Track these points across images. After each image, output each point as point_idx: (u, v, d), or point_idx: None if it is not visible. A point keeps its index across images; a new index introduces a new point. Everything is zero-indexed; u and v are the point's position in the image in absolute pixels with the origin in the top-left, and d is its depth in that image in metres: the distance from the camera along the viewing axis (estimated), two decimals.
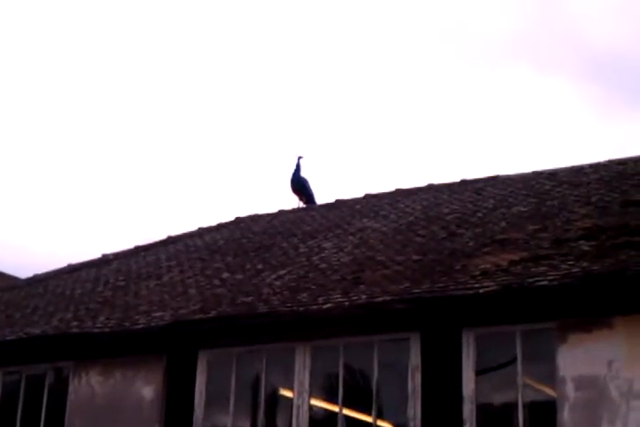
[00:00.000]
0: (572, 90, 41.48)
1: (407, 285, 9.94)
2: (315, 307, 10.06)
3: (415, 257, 11.07)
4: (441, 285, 9.65)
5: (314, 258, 12.32)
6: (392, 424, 9.94)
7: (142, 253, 15.50)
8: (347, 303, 9.89)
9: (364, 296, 9.94)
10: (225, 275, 12.61)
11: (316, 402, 10.24)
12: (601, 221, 10.51)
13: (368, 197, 16.05)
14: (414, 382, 9.48)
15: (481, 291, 9.15)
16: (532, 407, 9.04)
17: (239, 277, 12.32)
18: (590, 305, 8.70)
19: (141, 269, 14.27)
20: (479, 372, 9.20)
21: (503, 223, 11.71)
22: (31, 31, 41.92)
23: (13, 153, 41.93)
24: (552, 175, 14.08)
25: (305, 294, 10.58)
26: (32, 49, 42.24)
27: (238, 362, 10.59)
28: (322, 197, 17.61)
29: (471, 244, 11.07)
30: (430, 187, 15.45)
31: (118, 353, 11.18)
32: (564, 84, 40.70)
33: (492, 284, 9.21)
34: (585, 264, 9.09)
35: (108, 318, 11.71)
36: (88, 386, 11.29)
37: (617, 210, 10.96)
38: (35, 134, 42.63)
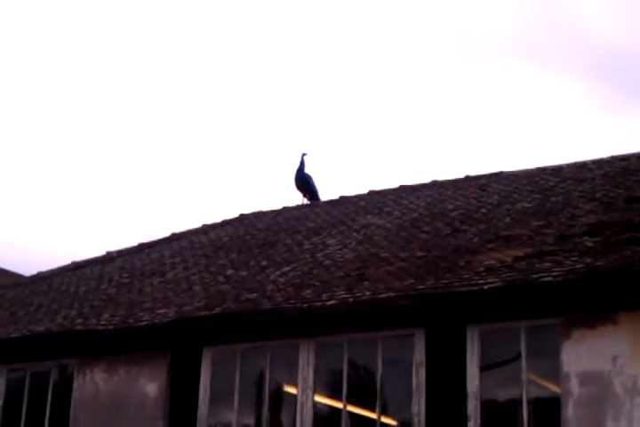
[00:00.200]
0: (575, 87, 41.46)
1: (411, 281, 9.93)
2: (319, 303, 10.05)
3: (419, 253, 11.05)
4: (445, 281, 9.64)
5: (318, 254, 12.31)
6: (396, 420, 9.93)
7: (146, 251, 15.51)
8: (351, 300, 9.88)
9: (368, 293, 9.93)
10: (229, 272, 12.61)
11: (320, 398, 10.23)
12: (605, 217, 10.50)
13: (372, 193, 16.05)
14: (419, 378, 9.47)
15: (485, 287, 9.14)
16: (536, 403, 9.03)
17: (243, 273, 12.32)
18: (594, 301, 8.69)
19: (145, 267, 14.27)
20: (483, 368, 9.18)
21: (507, 219, 11.70)
22: (31, 31, 41.97)
23: (17, 151, 41.96)
24: (556, 171, 14.07)
25: (309, 291, 10.57)
26: (32, 47, 42.26)
27: (242, 359, 10.58)
28: (326, 193, 17.63)
29: (475, 240, 11.06)
30: (434, 183, 15.44)
31: (122, 350, 11.18)
32: (567, 80, 40.67)
33: (497, 280, 9.19)
34: (589, 260, 9.07)
35: (112, 316, 11.72)
36: (92, 383, 11.29)
37: (621, 206, 10.94)
38: (38, 132, 42.69)
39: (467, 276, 9.62)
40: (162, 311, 11.31)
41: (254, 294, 11.02)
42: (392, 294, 9.67)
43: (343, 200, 16.18)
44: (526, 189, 13.34)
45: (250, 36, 42.13)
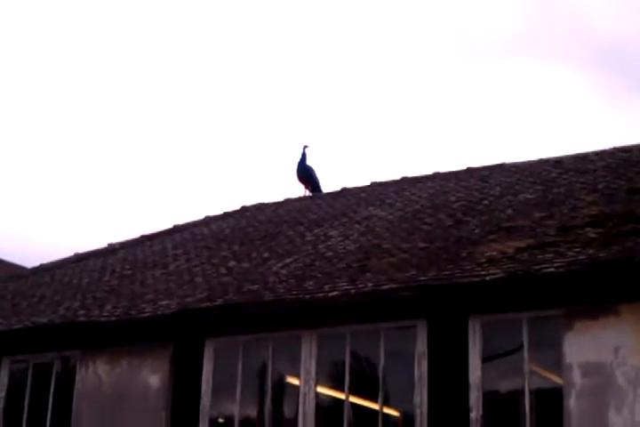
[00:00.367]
0: (577, 79, 41.41)
1: (413, 272, 9.93)
2: (321, 295, 10.06)
3: (421, 245, 11.06)
4: (447, 272, 9.64)
5: (320, 246, 12.32)
6: (398, 411, 9.95)
7: (148, 243, 15.52)
8: (353, 291, 9.89)
9: (370, 284, 9.93)
10: (231, 263, 12.61)
11: (322, 390, 10.24)
12: (607, 209, 10.50)
13: (374, 185, 16.05)
14: (421, 369, 9.48)
15: (487, 278, 9.14)
16: (538, 394, 9.04)
17: (245, 265, 12.33)
18: (597, 292, 8.69)
19: (147, 258, 14.28)
20: (485, 359, 9.19)
21: (509, 211, 11.70)
22: (30, 24, 41.90)
23: (18, 141, 41.96)
24: (558, 163, 14.06)
25: (311, 282, 10.58)
26: (30, 40, 42.23)
27: (245, 350, 10.59)
28: (328, 185, 17.65)
29: (477, 231, 11.06)
30: (436, 175, 15.44)
31: (125, 342, 11.20)
32: (569, 73, 40.62)
33: (499, 271, 9.20)
34: (591, 251, 9.07)
35: (114, 307, 11.73)
36: (95, 375, 11.30)
37: (623, 197, 10.94)
38: (39, 124, 42.65)
39: (469, 267, 9.62)
40: (164, 303, 11.32)
41: (256, 286, 11.03)
42: (394, 286, 9.67)
43: (345, 192, 16.18)
44: (528, 180, 13.34)
45: (252, 28, 42.10)
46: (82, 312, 11.89)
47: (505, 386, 9.45)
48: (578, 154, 14.31)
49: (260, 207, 16.74)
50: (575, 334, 8.70)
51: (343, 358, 10.03)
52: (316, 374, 10.13)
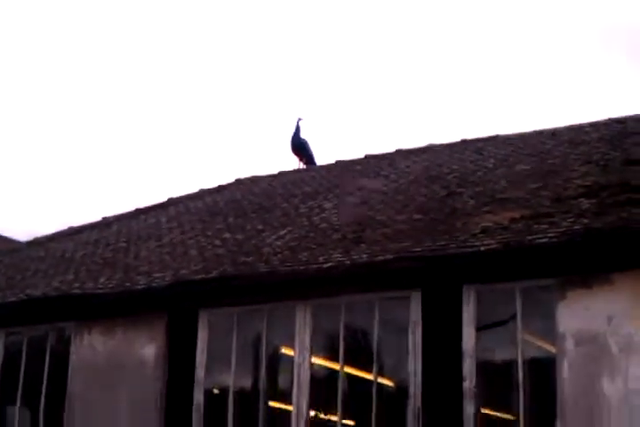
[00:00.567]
0: (570, 48, 41.31)
1: (408, 243, 9.94)
2: (315, 266, 10.07)
3: (416, 216, 11.06)
4: (441, 243, 9.65)
5: (314, 218, 12.32)
6: (393, 381, 9.99)
7: (143, 216, 15.51)
8: (347, 262, 9.90)
9: (364, 255, 9.94)
10: (226, 235, 12.61)
11: (317, 360, 10.27)
12: (602, 179, 10.50)
13: (368, 157, 16.05)
14: (415, 338, 9.50)
15: (482, 248, 9.15)
16: (531, 363, 9.07)
17: (240, 237, 12.33)
18: (591, 262, 8.69)
19: (142, 231, 14.28)
20: (479, 328, 9.21)
21: (504, 182, 11.70)
22: (22, 9, 41.65)
23: (12, 116, 41.82)
24: (553, 134, 14.05)
25: (305, 254, 10.59)
26: (16, 20, 42.01)
27: (239, 321, 10.61)
28: (322, 158, 17.66)
29: (472, 202, 11.07)
30: (430, 147, 15.43)
31: (120, 313, 11.21)
32: (561, 42, 40.51)
33: (493, 241, 9.21)
34: (585, 221, 9.08)
35: (108, 279, 11.74)
36: (90, 346, 11.33)
37: (618, 168, 10.94)
38: (32, 98, 42.51)
39: (463, 238, 9.63)
40: (159, 275, 11.33)
41: (251, 258, 11.04)
42: (389, 257, 9.69)
43: (339, 164, 16.18)
44: (523, 152, 13.33)
45: (246, 1, 41.88)
46: (76, 285, 11.90)
47: (498, 355, 9.49)
48: (572, 125, 14.31)
49: (255, 180, 16.74)
50: (568, 304, 8.72)
51: (337, 329, 10.06)
52: (311, 344, 10.15)
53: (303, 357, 10.14)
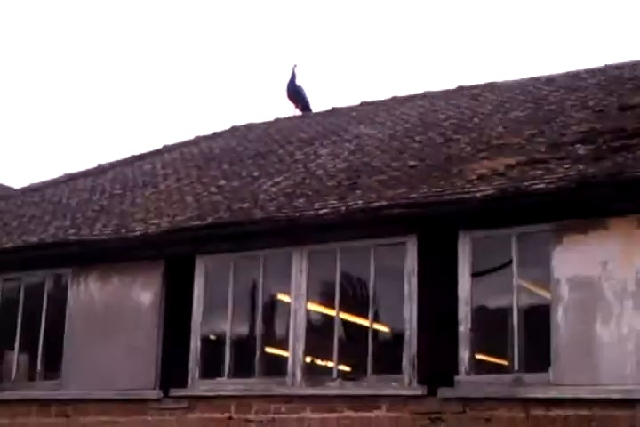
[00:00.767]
0: None
1: (403, 190, 9.92)
2: (311, 212, 10.07)
3: (411, 163, 11.03)
4: (437, 189, 9.64)
5: (310, 165, 12.29)
6: (388, 327, 10.04)
7: (138, 163, 15.48)
8: (343, 209, 9.89)
9: (360, 201, 9.93)
10: (221, 182, 12.59)
11: (313, 306, 10.31)
12: (598, 125, 10.46)
13: (364, 104, 15.99)
14: (410, 285, 9.53)
15: (477, 195, 9.14)
16: (526, 309, 9.11)
17: (235, 184, 12.31)
18: (586, 207, 8.70)
19: (137, 178, 14.26)
20: (475, 274, 9.24)
21: (500, 128, 11.66)
22: None
23: (6, 63, 41.54)
24: (549, 81, 13.98)
25: (301, 200, 10.58)
26: None
27: (235, 268, 10.64)
28: (318, 104, 17.60)
29: (468, 149, 11.03)
30: (427, 94, 15.36)
31: (116, 260, 11.24)
32: None
33: (489, 188, 9.19)
34: (581, 167, 9.06)
35: (105, 226, 11.75)
36: (87, 292, 11.37)
37: (614, 114, 10.89)
38: (28, 43, 42.17)
39: (459, 184, 9.61)
40: (154, 222, 11.33)
41: (246, 204, 11.03)
42: (384, 203, 9.67)
43: (335, 111, 16.12)
44: (519, 98, 13.27)
45: None
46: (72, 231, 11.91)
47: (494, 301, 9.51)
48: (569, 72, 14.23)
49: (250, 127, 16.68)
50: (564, 249, 8.73)
51: (333, 275, 10.08)
52: (307, 290, 10.18)
53: (299, 303, 10.18)
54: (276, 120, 16.79)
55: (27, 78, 41.74)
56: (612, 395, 8.21)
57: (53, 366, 11.47)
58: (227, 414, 10.17)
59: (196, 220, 10.92)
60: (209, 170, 13.66)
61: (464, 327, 9.15)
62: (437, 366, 9.20)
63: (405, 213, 9.52)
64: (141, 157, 15.79)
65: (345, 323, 10.14)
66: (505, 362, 9.19)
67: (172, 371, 10.64)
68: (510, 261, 9.09)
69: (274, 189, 11.41)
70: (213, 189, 12.28)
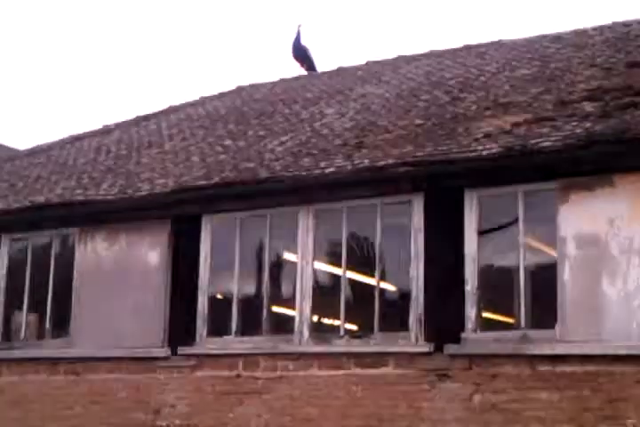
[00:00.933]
0: None
1: (410, 148, 9.91)
2: (317, 171, 10.07)
3: (418, 121, 11.00)
4: (443, 148, 9.62)
5: (316, 124, 12.27)
6: (395, 286, 10.07)
7: (144, 123, 15.46)
8: (349, 167, 9.89)
9: (366, 160, 9.92)
10: (227, 142, 12.58)
11: (319, 265, 10.34)
12: (605, 83, 10.41)
13: (370, 63, 15.92)
14: (417, 243, 9.54)
15: (484, 153, 9.13)
16: (533, 267, 9.13)
17: (241, 143, 12.30)
18: (593, 165, 8.68)
19: (143, 139, 14.24)
20: (481, 232, 9.24)
21: (506, 86, 11.61)
22: None
23: (13, 24, 41.34)
24: (556, 38, 13.89)
25: (307, 159, 10.57)
26: None
27: (242, 227, 10.65)
28: (323, 64, 17.52)
29: (474, 107, 10.99)
30: (433, 52, 15.28)
31: (123, 220, 11.27)
32: None
33: (495, 146, 9.18)
34: (588, 125, 9.03)
35: (111, 186, 11.76)
36: (94, 252, 11.41)
37: (621, 71, 10.83)
38: (34, 5, 41.94)
39: (465, 142, 9.60)
40: (161, 182, 11.35)
41: (252, 164, 11.03)
42: (390, 162, 9.67)
43: (341, 70, 16.05)
44: (526, 56, 13.19)
45: None
46: (79, 191, 11.93)
47: (500, 260, 9.53)
48: (576, 29, 14.14)
49: (256, 87, 16.62)
50: (570, 207, 8.73)
51: (340, 234, 10.09)
52: (313, 249, 10.20)
53: (306, 262, 10.20)
54: (282, 80, 16.73)
55: (32, 38, 41.58)
56: (618, 351, 8.26)
57: (62, 325, 11.54)
58: (234, 372, 10.24)
59: (203, 179, 10.93)
60: (215, 130, 13.64)
61: (470, 285, 9.18)
62: (444, 324, 9.24)
63: (411, 172, 9.51)
64: (147, 118, 15.77)
65: (351, 282, 10.17)
66: (511, 320, 9.23)
67: (179, 329, 10.71)
68: (516, 219, 9.09)
69: (280, 149, 11.40)
70: (219, 149, 12.27)
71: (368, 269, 9.99)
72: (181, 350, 10.61)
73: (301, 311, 10.13)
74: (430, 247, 9.49)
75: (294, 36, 17.49)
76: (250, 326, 10.53)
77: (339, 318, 9.99)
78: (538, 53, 13.12)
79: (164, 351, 10.69)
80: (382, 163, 9.69)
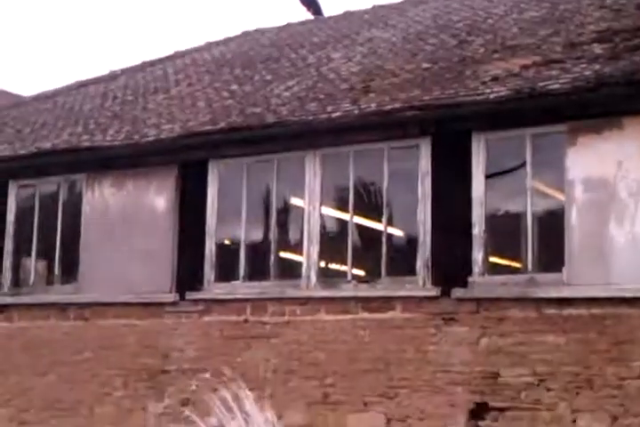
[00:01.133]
0: None
1: (417, 92, 9.83)
2: (324, 116, 10.01)
3: (425, 65, 10.91)
4: (451, 91, 9.55)
5: (322, 68, 12.17)
6: (402, 230, 10.06)
7: (150, 68, 15.36)
8: (356, 112, 9.83)
9: (373, 104, 9.86)
10: (233, 87, 12.50)
11: (327, 210, 10.32)
12: (615, 24, 10.28)
13: (376, 7, 15.76)
14: (424, 187, 9.51)
15: (491, 96, 9.06)
16: (540, 211, 9.10)
17: (248, 88, 12.22)
18: (601, 107, 8.61)
19: (149, 84, 14.16)
20: (489, 176, 9.21)
21: (515, 29, 11.48)
22: None
23: None
24: None
25: (314, 104, 10.51)
26: None
27: (249, 172, 10.63)
28: (330, 9, 17.37)
29: (482, 50, 10.88)
30: None
31: (130, 166, 11.25)
32: None
33: (503, 88, 9.10)
34: (597, 67, 8.94)
35: (117, 132, 11.73)
36: (101, 198, 11.40)
37: (631, 12, 10.69)
38: None
39: (473, 85, 9.52)
40: (167, 127, 11.31)
41: (259, 109, 10.97)
42: (397, 106, 9.60)
43: (347, 15, 15.89)
44: None
45: None
46: (85, 137, 11.90)
47: (508, 204, 9.50)
48: None
49: (262, 31, 16.47)
50: (578, 149, 8.67)
51: (347, 179, 10.07)
52: (320, 195, 10.18)
53: (313, 207, 10.19)
54: (288, 25, 16.57)
55: None
56: (624, 294, 8.26)
57: (70, 271, 11.59)
58: (242, 317, 10.29)
59: (209, 124, 10.88)
60: (221, 75, 13.55)
61: (478, 229, 9.16)
62: (451, 268, 9.25)
63: (419, 116, 9.45)
64: (153, 63, 15.66)
65: (359, 226, 10.16)
66: (518, 265, 9.23)
67: (187, 275, 10.74)
68: (524, 163, 9.05)
69: (286, 94, 11.33)
70: (226, 94, 12.20)
71: (375, 214, 9.98)
72: (189, 295, 10.65)
73: (309, 256, 10.14)
74: (437, 191, 9.47)
75: None
76: (257, 271, 10.55)
77: (346, 263, 10.01)
78: None
79: (172, 297, 10.73)
80: (389, 107, 9.63)
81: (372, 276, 9.84)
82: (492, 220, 9.23)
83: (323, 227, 10.26)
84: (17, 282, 12.13)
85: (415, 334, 9.28)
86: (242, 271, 10.57)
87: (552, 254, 8.87)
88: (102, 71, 16.08)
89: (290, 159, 10.39)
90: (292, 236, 10.74)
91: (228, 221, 10.84)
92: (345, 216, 10.16)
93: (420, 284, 9.40)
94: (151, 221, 10.97)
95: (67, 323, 11.43)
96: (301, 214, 10.30)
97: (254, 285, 10.40)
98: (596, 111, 8.62)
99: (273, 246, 10.46)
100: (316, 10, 17.27)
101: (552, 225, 8.96)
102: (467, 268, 9.15)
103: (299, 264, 10.25)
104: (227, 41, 16.35)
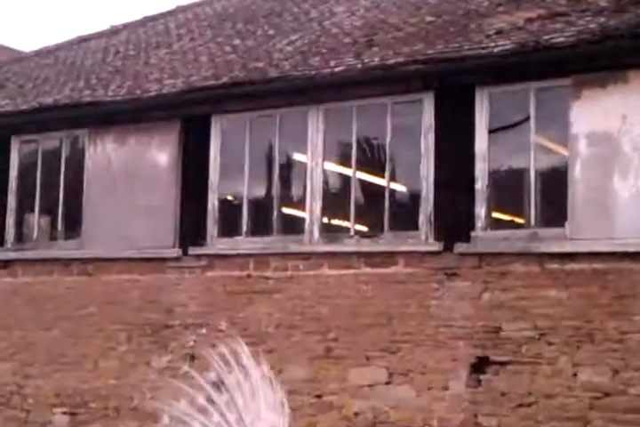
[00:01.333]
0: None
1: (420, 46, 9.75)
2: (327, 70, 9.94)
3: (429, 19, 10.81)
4: (455, 45, 9.46)
5: (325, 22, 12.08)
6: (405, 186, 10.03)
7: (151, 23, 15.25)
8: (359, 66, 9.75)
9: (376, 58, 9.78)
10: (236, 41, 12.41)
11: (329, 166, 10.28)
12: None
13: None
14: (427, 142, 9.46)
15: (496, 49, 8.97)
16: (544, 166, 9.06)
17: (250, 43, 12.13)
18: (606, 61, 8.52)
19: (151, 39, 14.07)
20: (492, 131, 9.15)
21: None
22: None
23: None
24: None
25: (317, 58, 10.43)
26: None
27: (251, 127, 10.58)
28: None
29: (486, 4, 10.79)
30: None
31: (132, 121, 11.20)
32: None
33: (508, 42, 9.02)
34: (602, 20, 8.86)
35: (119, 87, 11.66)
36: (104, 154, 11.37)
37: None
38: None
39: (477, 39, 9.43)
40: (169, 82, 11.24)
41: (261, 63, 10.89)
42: (401, 59, 9.52)
43: None
44: None
45: None
46: (87, 92, 11.84)
47: (511, 159, 9.44)
48: None
49: None
50: (583, 104, 8.60)
51: (350, 134, 10.01)
52: (323, 150, 10.13)
53: (316, 162, 10.15)
54: None
55: None
56: (627, 248, 8.25)
57: (73, 226, 11.59)
58: (245, 272, 10.30)
59: (211, 79, 10.81)
60: (223, 29, 13.44)
61: (481, 184, 9.13)
62: (454, 223, 9.23)
63: (422, 70, 9.38)
64: (154, 18, 15.54)
65: (362, 182, 10.13)
66: (521, 220, 9.21)
67: (190, 230, 10.73)
68: (528, 118, 8.98)
69: (289, 48, 11.24)
70: (228, 49, 12.12)
71: (378, 170, 9.94)
72: (192, 250, 10.66)
73: (311, 212, 10.12)
74: (440, 146, 9.41)
75: None
76: (260, 226, 10.54)
77: (349, 219, 9.99)
78: None
79: (175, 252, 10.74)
80: (392, 61, 9.55)
81: (375, 231, 9.83)
82: (495, 175, 9.19)
83: (325, 182, 10.22)
84: (20, 238, 12.14)
85: (417, 288, 9.30)
86: (244, 227, 10.56)
87: (555, 209, 8.84)
88: (104, 26, 16.02)
89: (292, 114, 10.32)
90: (295, 191, 10.71)
91: (231, 176, 10.80)
92: (348, 171, 10.12)
93: (423, 239, 9.39)
94: (154, 177, 10.94)
95: (70, 278, 11.46)
96: (304, 170, 10.26)
97: (257, 240, 10.40)
98: (600, 65, 8.53)
99: (275, 202, 10.44)
100: None
101: (555, 180, 8.91)
102: (469, 223, 9.13)
103: (301, 220, 10.23)
104: None
